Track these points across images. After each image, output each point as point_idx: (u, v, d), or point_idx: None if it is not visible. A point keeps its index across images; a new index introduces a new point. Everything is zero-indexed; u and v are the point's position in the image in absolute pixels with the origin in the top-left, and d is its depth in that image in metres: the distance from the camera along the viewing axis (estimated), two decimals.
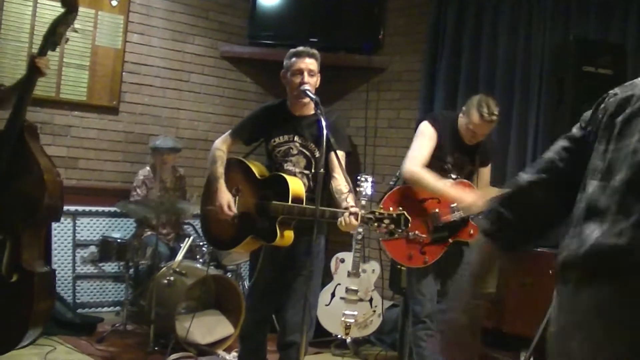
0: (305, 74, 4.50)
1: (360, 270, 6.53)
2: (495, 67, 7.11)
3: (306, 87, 4.46)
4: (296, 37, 8.06)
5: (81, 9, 7.19)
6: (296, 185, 4.45)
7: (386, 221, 4.13)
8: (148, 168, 7.21)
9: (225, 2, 8.47)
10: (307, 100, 4.53)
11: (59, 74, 7.23)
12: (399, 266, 5.59)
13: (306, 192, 4.49)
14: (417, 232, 4.91)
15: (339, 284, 6.58)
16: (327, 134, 4.21)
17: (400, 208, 4.22)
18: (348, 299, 6.49)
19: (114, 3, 7.56)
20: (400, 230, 4.18)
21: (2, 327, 4.55)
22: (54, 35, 4.79)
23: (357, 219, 4.13)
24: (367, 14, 8.35)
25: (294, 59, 4.56)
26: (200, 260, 6.46)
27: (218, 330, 6.37)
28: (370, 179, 6.13)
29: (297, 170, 4.58)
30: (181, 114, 8.18)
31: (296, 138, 4.61)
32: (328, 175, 4.51)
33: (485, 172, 5.31)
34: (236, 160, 4.76)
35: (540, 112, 6.64)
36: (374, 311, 6.52)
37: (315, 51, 4.61)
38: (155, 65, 7.96)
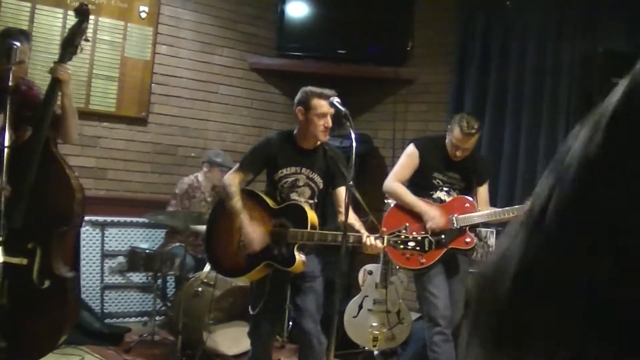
0: (329, 117, 4.72)
1: (387, 281, 6.51)
2: (523, 79, 7.09)
3: (336, 99, 4.65)
4: (324, 49, 8.11)
5: (110, 21, 7.34)
6: (313, 214, 4.70)
7: (411, 244, 4.38)
8: (192, 177, 7.23)
9: (254, 13, 8.50)
10: (325, 137, 4.80)
11: (88, 85, 7.29)
12: (397, 267, 5.77)
13: None
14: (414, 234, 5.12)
15: (367, 296, 6.57)
16: (339, 166, 4.75)
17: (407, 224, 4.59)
18: (376, 310, 6.48)
19: (143, 15, 7.60)
20: (424, 253, 4.54)
21: (37, 334, 4.63)
22: (72, 46, 4.86)
23: (382, 242, 4.39)
24: (394, 26, 8.34)
25: (319, 101, 4.73)
26: None
27: (244, 341, 6.34)
28: None
29: (303, 199, 4.82)
30: (209, 125, 8.21)
31: (303, 170, 4.84)
32: (334, 209, 4.90)
33: (482, 191, 5.66)
34: (247, 191, 4.93)
35: (569, 124, 6.60)
36: (402, 323, 6.49)
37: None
38: (183, 77, 7.99)
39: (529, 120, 6.97)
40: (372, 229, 4.66)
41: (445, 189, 5.50)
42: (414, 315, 6.80)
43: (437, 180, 5.49)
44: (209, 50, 8.18)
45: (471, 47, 7.58)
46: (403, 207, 5.47)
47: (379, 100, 8.61)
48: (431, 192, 5.48)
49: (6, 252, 4.29)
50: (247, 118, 8.46)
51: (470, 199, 5.52)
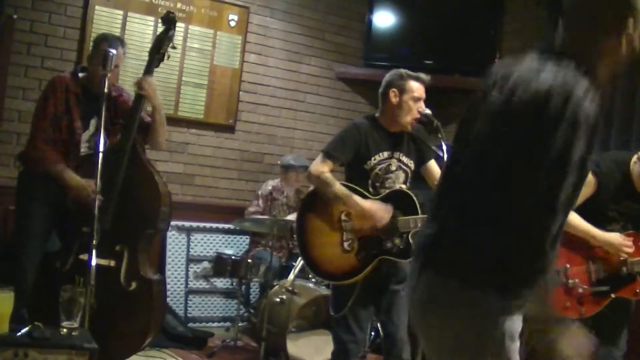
0: (422, 102, 4.55)
1: None
2: (613, 94, 6.91)
3: (426, 110, 4.53)
4: (411, 59, 8.06)
5: (200, 29, 7.44)
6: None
7: None
8: (278, 181, 7.34)
9: (341, 23, 8.51)
10: (410, 127, 4.59)
11: (177, 92, 7.40)
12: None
13: None
14: (577, 280, 4.48)
15: None
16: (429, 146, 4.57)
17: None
18: None
19: (233, 23, 7.68)
20: None
21: (123, 335, 4.70)
22: (159, 53, 4.97)
23: None
24: (482, 36, 8.24)
25: (414, 84, 4.56)
26: (313, 279, 6.47)
27: (327, 350, 6.31)
28: None
29: (397, 185, 4.57)
30: (296, 134, 8.24)
31: (395, 154, 4.60)
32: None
33: None
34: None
35: None
36: None
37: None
38: (271, 85, 8.05)
39: (618, 138, 6.79)
40: None
41: (621, 223, 4.54)
42: None
43: (614, 212, 4.54)
44: (296, 59, 8.22)
45: None
46: (573, 239, 4.44)
47: None
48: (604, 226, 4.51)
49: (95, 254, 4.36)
50: (333, 127, 8.43)
51: None
